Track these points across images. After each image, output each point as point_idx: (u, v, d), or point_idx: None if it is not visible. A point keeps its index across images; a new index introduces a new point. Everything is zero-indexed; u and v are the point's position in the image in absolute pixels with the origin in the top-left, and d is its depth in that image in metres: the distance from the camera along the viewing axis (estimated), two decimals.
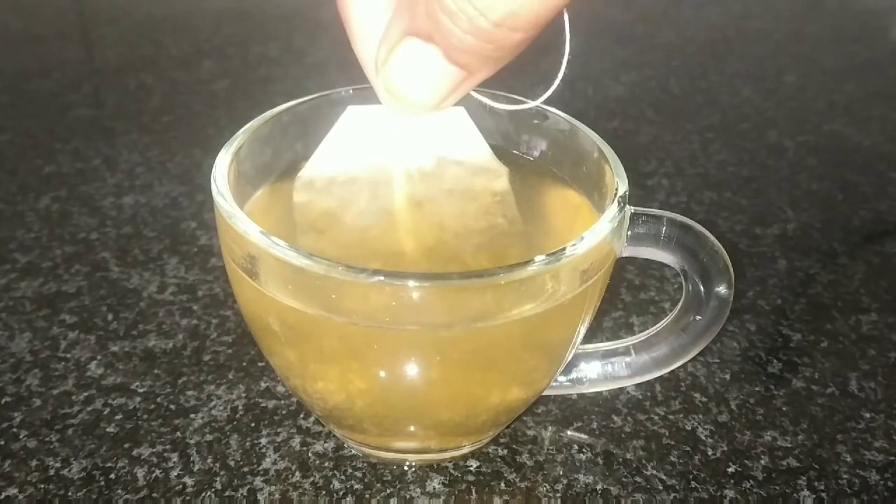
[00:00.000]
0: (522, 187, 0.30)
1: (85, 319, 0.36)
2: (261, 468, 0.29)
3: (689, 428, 0.32)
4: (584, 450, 0.31)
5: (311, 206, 0.28)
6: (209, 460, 0.30)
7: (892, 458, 0.31)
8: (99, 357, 0.34)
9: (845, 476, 0.30)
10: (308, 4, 0.75)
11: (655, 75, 0.64)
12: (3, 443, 0.30)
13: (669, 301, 0.39)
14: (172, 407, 0.32)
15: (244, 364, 0.34)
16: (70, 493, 0.28)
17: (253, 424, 0.31)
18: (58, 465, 0.29)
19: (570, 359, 0.29)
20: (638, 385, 0.33)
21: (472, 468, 0.30)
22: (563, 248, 0.23)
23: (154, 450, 0.30)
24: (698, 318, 0.28)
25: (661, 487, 0.29)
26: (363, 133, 0.28)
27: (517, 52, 0.24)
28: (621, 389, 0.33)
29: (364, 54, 0.26)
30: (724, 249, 0.27)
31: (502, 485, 0.29)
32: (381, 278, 0.22)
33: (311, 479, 0.29)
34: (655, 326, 0.30)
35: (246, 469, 0.29)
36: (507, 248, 0.27)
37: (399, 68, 0.25)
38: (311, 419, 0.31)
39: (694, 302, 0.28)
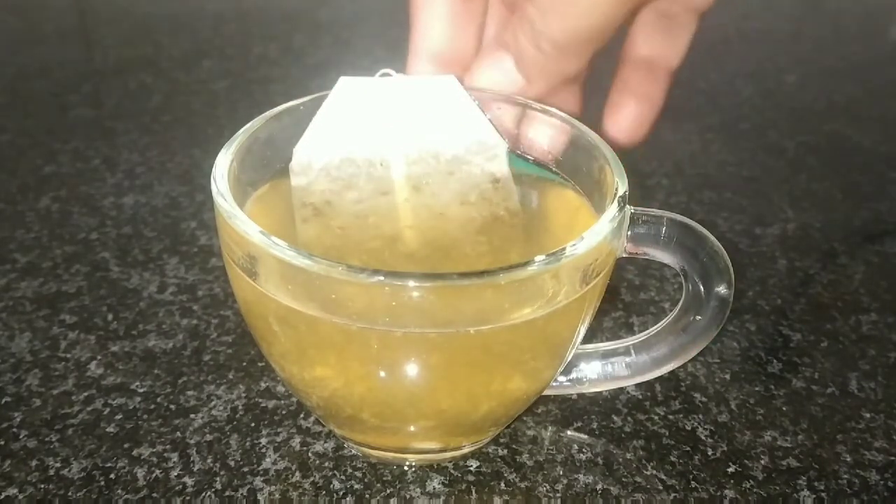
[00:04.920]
0: (522, 187, 0.30)
1: (85, 319, 0.36)
2: (261, 468, 0.29)
3: (689, 428, 0.32)
4: (584, 450, 0.31)
5: (309, 189, 0.28)
6: (209, 460, 0.30)
7: (892, 458, 0.31)
8: (99, 357, 0.34)
9: (845, 476, 0.30)
10: (308, 4, 0.75)
11: None
12: (3, 443, 0.30)
13: (669, 301, 0.39)
14: (172, 407, 0.32)
15: (244, 364, 0.34)
16: (70, 493, 0.28)
17: (253, 424, 0.31)
18: (58, 465, 0.29)
19: (570, 359, 0.29)
20: (638, 385, 0.33)
21: (472, 468, 0.30)
22: (563, 248, 0.23)
23: (154, 450, 0.30)
24: (698, 318, 0.28)
25: (661, 487, 0.29)
26: (357, 105, 0.28)
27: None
28: (621, 389, 0.33)
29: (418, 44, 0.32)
30: (724, 249, 0.27)
31: (502, 485, 0.29)
32: (381, 278, 0.22)
33: (311, 479, 0.29)
34: (655, 326, 0.30)
35: (246, 469, 0.29)
36: (507, 241, 0.27)
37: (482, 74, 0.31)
38: (311, 419, 0.31)
39: (694, 302, 0.28)
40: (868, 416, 0.33)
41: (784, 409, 0.33)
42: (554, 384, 0.31)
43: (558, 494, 0.29)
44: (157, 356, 0.34)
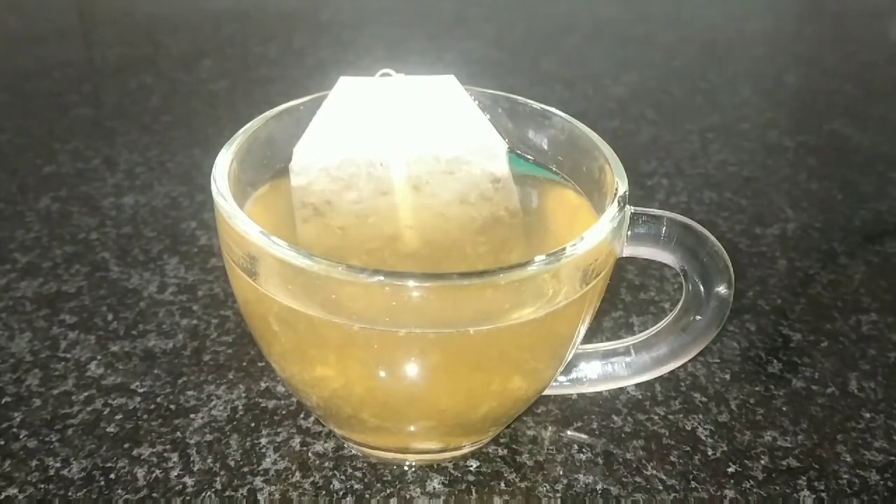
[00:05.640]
0: (522, 187, 0.30)
1: (85, 319, 0.36)
2: (261, 468, 0.29)
3: (689, 428, 0.32)
4: (584, 450, 0.31)
5: (309, 189, 0.28)
6: (209, 460, 0.30)
7: (892, 458, 0.31)
8: (99, 357, 0.34)
9: (845, 476, 0.30)
10: (308, 4, 0.75)
11: (655, 75, 0.64)
12: (3, 443, 0.30)
13: (669, 301, 0.39)
14: (172, 407, 0.32)
15: (244, 364, 0.34)
16: (70, 493, 0.28)
17: (253, 424, 0.31)
18: (58, 465, 0.29)
19: (570, 359, 0.29)
20: (638, 385, 0.33)
21: (472, 468, 0.30)
22: (563, 248, 0.23)
23: (154, 450, 0.30)
24: (698, 318, 0.28)
25: (661, 487, 0.29)
26: (357, 105, 0.28)
27: None
28: (621, 389, 0.33)
29: None
30: (724, 249, 0.27)
31: (502, 485, 0.29)
32: (381, 278, 0.22)
33: (311, 479, 0.29)
34: (655, 326, 0.30)
35: (246, 469, 0.29)
36: (507, 241, 0.27)
37: None
38: (311, 419, 0.31)
39: (694, 302, 0.28)
40: (868, 416, 0.33)
41: (784, 409, 0.33)
42: (554, 384, 0.31)
43: (558, 494, 0.29)
44: (157, 356, 0.34)
